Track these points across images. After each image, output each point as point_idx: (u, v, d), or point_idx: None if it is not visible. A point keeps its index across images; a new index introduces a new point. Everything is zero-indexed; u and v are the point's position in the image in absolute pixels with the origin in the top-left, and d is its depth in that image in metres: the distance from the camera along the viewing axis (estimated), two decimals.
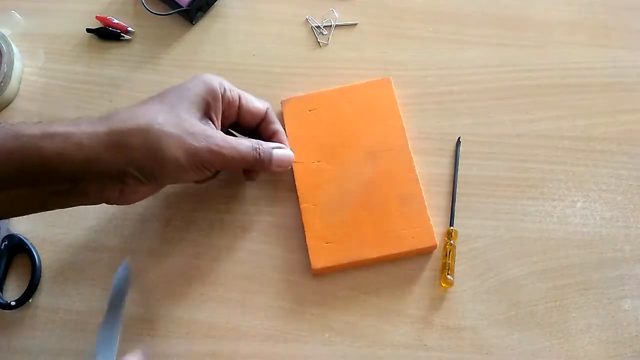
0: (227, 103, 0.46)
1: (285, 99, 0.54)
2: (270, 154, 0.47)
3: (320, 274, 0.49)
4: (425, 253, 0.49)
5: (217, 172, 0.48)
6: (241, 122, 0.49)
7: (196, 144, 0.42)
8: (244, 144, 0.45)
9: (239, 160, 0.45)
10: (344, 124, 0.52)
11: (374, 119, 0.52)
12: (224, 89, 0.46)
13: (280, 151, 0.48)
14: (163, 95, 0.44)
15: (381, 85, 0.54)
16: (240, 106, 0.47)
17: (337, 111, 0.53)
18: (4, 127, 0.39)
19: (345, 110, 0.53)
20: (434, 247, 0.49)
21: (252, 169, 0.48)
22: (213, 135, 0.43)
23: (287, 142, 0.50)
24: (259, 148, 0.46)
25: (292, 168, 0.51)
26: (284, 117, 0.53)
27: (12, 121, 0.40)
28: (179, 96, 0.43)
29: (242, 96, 0.47)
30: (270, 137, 0.49)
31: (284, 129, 0.52)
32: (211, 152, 0.43)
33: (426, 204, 0.49)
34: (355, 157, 0.51)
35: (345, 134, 0.52)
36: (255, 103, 0.48)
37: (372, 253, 0.48)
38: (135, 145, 0.40)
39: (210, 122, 0.45)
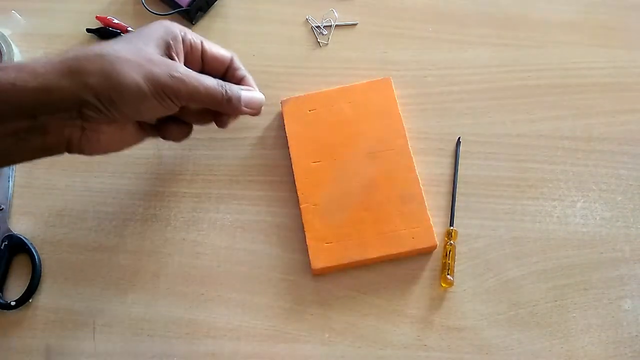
0: (189, 46, 0.45)
1: (285, 99, 0.54)
2: (239, 94, 0.46)
3: (320, 274, 0.49)
4: (425, 253, 0.49)
5: (183, 109, 0.45)
6: (207, 70, 0.47)
7: (157, 69, 0.40)
8: (208, 78, 0.44)
9: (203, 93, 0.43)
10: (344, 124, 0.52)
11: (374, 119, 0.52)
12: (185, 32, 0.45)
13: (249, 92, 0.47)
14: (121, 37, 0.43)
15: (381, 85, 0.54)
16: (203, 51, 0.46)
17: (337, 111, 0.53)
18: None
19: (345, 111, 0.53)
20: (434, 247, 0.49)
21: (221, 110, 0.47)
22: (174, 64, 0.42)
23: (256, 88, 0.49)
24: (224, 86, 0.45)
25: (292, 168, 0.51)
26: (284, 117, 0.53)
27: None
28: (138, 34, 0.43)
29: (204, 42, 0.46)
30: (238, 83, 0.48)
31: (284, 129, 0.52)
32: (173, 78, 0.41)
33: (426, 204, 0.49)
34: (355, 157, 0.51)
35: (345, 134, 0.52)
36: (220, 49, 0.48)
37: (372, 253, 0.48)
38: (91, 70, 0.39)
39: (170, 59, 0.43)
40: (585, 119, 0.54)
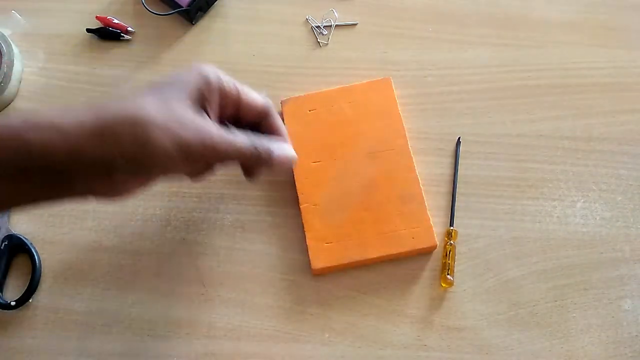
0: (224, 94, 0.44)
1: (285, 99, 0.54)
2: (270, 151, 0.44)
3: (321, 274, 0.49)
4: (425, 253, 0.49)
5: (212, 168, 0.45)
6: (241, 117, 0.46)
7: (187, 134, 0.40)
8: (240, 137, 0.43)
9: (234, 154, 0.42)
10: (344, 124, 0.52)
11: (374, 119, 0.52)
12: (220, 79, 0.43)
13: (281, 149, 0.45)
14: (155, 84, 0.42)
15: (381, 85, 0.54)
16: (239, 99, 0.45)
17: (337, 111, 0.53)
18: None
19: (345, 110, 0.53)
20: (434, 247, 0.49)
21: (251, 167, 0.46)
22: (206, 127, 0.41)
23: (288, 140, 0.47)
24: (256, 143, 0.43)
25: (292, 168, 0.51)
26: (284, 117, 0.53)
27: None
28: (171, 85, 0.42)
29: (240, 89, 0.45)
30: (271, 134, 0.47)
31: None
32: (203, 144, 0.40)
33: (426, 204, 0.49)
34: (355, 157, 0.51)
35: (345, 134, 0.52)
36: (255, 97, 0.46)
37: (372, 253, 0.48)
38: (122, 134, 0.38)
39: (205, 114, 0.42)
40: (585, 119, 0.54)
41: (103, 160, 0.38)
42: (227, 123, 0.47)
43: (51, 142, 0.37)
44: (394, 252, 0.48)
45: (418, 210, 0.49)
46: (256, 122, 0.46)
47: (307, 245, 0.48)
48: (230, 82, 0.44)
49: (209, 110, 0.43)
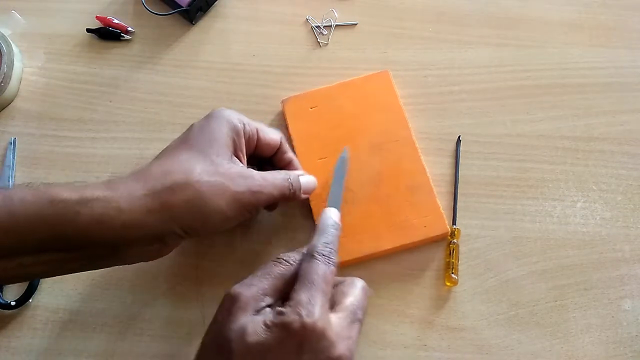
0: (248, 138, 0.45)
1: (285, 98, 0.54)
2: (299, 183, 0.46)
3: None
4: (437, 241, 0.50)
5: (256, 212, 0.45)
6: (257, 154, 0.47)
7: (237, 189, 0.40)
8: (278, 177, 0.44)
9: (277, 196, 0.44)
10: (346, 119, 0.52)
11: (376, 112, 0.52)
12: (244, 124, 0.45)
13: (305, 178, 0.47)
14: (188, 139, 0.42)
15: (380, 78, 0.54)
16: (258, 139, 0.46)
17: (338, 107, 0.53)
18: (38, 190, 0.37)
19: (346, 106, 0.53)
20: (447, 234, 0.49)
21: (283, 201, 0.47)
22: (250, 176, 0.42)
23: (300, 168, 0.49)
24: (290, 179, 0.45)
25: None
26: (286, 117, 0.53)
27: (42, 181, 0.39)
28: (207, 139, 0.42)
29: (259, 129, 0.46)
30: (285, 166, 0.48)
31: (287, 128, 0.52)
32: (253, 193, 0.41)
33: (436, 192, 0.49)
34: (360, 151, 0.51)
35: (348, 128, 0.52)
36: (271, 134, 0.47)
37: (386, 245, 0.48)
38: (177, 203, 0.39)
39: (238, 161, 0.44)
40: (585, 119, 0.54)
41: (158, 231, 0.39)
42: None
43: (107, 217, 0.37)
44: (408, 242, 0.48)
45: (427, 199, 0.49)
46: (271, 157, 0.48)
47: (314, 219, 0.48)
48: (250, 124, 0.45)
49: (240, 156, 0.44)
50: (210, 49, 0.59)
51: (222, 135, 0.43)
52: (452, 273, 0.48)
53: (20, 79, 0.58)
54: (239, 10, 0.61)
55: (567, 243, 0.50)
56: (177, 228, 0.39)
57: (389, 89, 0.53)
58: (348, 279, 0.40)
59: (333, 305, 0.37)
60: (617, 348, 0.47)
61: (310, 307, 0.35)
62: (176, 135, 0.45)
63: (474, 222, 0.51)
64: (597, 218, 0.51)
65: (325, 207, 0.48)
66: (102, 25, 0.59)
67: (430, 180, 0.50)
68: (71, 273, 0.41)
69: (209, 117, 0.44)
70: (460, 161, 0.53)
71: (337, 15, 0.59)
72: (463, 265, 0.49)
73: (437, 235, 0.49)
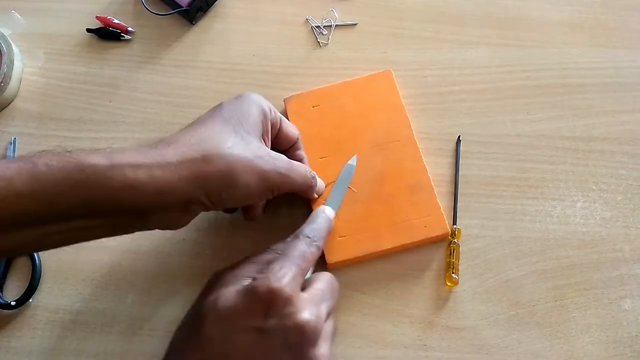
0: (272, 124, 0.46)
1: (287, 96, 0.54)
2: (317, 180, 0.47)
3: (334, 268, 0.49)
4: (438, 241, 0.50)
5: (271, 196, 0.45)
6: (274, 144, 0.47)
7: (266, 167, 0.41)
8: (302, 167, 0.45)
9: (300, 184, 0.44)
10: (348, 118, 0.52)
11: (378, 111, 0.53)
12: (270, 110, 0.45)
13: (319, 179, 0.49)
14: (221, 113, 0.42)
15: (382, 77, 0.54)
16: (280, 129, 0.47)
17: (340, 106, 0.53)
18: (64, 156, 0.35)
19: (348, 105, 0.53)
20: (447, 234, 0.49)
21: (301, 191, 0.47)
22: (279, 158, 0.43)
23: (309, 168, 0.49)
24: (311, 173, 0.46)
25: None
26: (288, 115, 0.53)
27: (66, 148, 0.37)
28: (240, 117, 0.42)
29: (282, 119, 0.47)
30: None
31: None
32: (280, 175, 0.42)
33: (436, 192, 0.49)
34: (361, 151, 0.51)
35: (350, 128, 0.52)
36: (291, 128, 0.48)
37: (386, 244, 0.48)
38: (209, 173, 0.39)
39: (264, 145, 0.44)
40: (585, 119, 0.54)
41: (187, 198, 0.39)
42: None
43: (139, 183, 0.37)
44: (408, 242, 0.48)
45: (428, 199, 0.49)
46: (285, 150, 0.48)
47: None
48: (276, 113, 0.46)
49: (266, 140, 0.45)
50: (210, 49, 0.59)
51: (253, 115, 0.43)
52: (453, 273, 0.48)
53: (20, 79, 0.58)
54: (239, 10, 0.61)
55: (567, 243, 0.50)
56: (205, 197, 0.39)
57: (392, 89, 0.53)
58: (316, 274, 0.41)
59: (303, 289, 0.38)
60: (617, 348, 0.47)
61: (280, 274, 0.37)
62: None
63: (474, 222, 0.51)
64: (597, 218, 0.51)
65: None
66: (102, 25, 0.59)
67: (431, 181, 0.50)
68: (90, 240, 0.40)
69: (239, 97, 0.44)
70: (460, 161, 0.53)
71: (337, 15, 0.59)
72: (463, 265, 0.49)
73: (438, 236, 0.49)
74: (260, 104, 0.44)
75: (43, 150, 0.36)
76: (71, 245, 0.51)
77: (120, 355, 0.48)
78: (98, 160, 0.36)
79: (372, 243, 0.48)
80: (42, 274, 0.50)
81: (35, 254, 0.50)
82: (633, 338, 0.47)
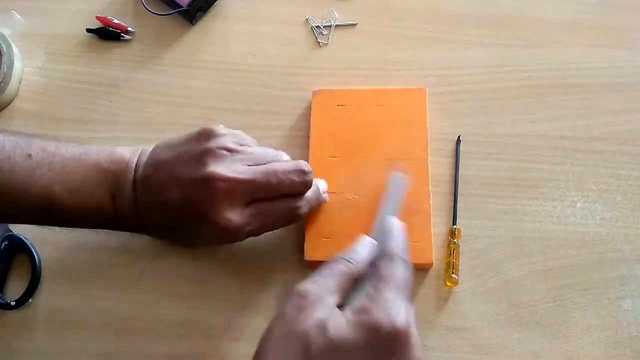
0: None
1: (317, 89, 0.54)
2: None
3: (312, 267, 0.48)
4: (420, 269, 0.48)
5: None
6: None
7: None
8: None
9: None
10: (369, 126, 0.52)
11: (400, 126, 0.52)
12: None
13: (322, 180, 0.49)
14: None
15: (415, 94, 0.53)
16: None
17: (365, 111, 0.52)
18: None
19: (373, 112, 0.52)
20: (430, 265, 0.48)
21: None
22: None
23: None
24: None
25: (307, 159, 0.51)
26: (312, 107, 0.53)
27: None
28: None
29: None
30: None
31: (310, 119, 0.52)
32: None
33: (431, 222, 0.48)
34: (372, 160, 0.51)
35: (368, 135, 0.52)
36: None
37: None
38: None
39: None
40: (585, 119, 0.54)
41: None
42: None
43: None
44: None
45: (422, 226, 0.48)
46: None
47: (304, 236, 0.48)
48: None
49: None
50: (210, 49, 0.59)
51: None
52: (453, 273, 0.48)
53: (20, 79, 0.58)
54: (239, 10, 0.61)
55: (567, 243, 0.50)
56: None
57: (421, 107, 0.52)
58: None
59: None
60: (617, 348, 0.47)
61: (397, 308, 0.34)
62: (176, 135, 0.45)
63: (474, 222, 0.51)
64: (597, 218, 0.51)
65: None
66: (102, 25, 0.59)
67: (431, 209, 0.49)
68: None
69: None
70: (460, 161, 0.53)
71: (337, 15, 0.59)
72: (463, 265, 0.49)
73: (420, 264, 0.47)
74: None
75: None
76: (71, 245, 0.51)
77: (120, 355, 0.48)
78: (103, 181, 0.43)
79: None
80: (42, 274, 0.50)
81: (35, 254, 0.50)
82: (633, 338, 0.47)
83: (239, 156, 0.43)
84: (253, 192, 0.42)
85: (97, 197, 0.43)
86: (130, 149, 0.45)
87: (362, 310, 0.34)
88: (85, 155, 0.43)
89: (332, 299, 0.35)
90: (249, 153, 0.43)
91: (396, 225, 0.41)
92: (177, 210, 0.42)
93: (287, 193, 0.44)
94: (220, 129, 0.44)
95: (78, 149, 0.44)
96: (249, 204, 0.42)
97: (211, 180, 0.40)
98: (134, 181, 0.43)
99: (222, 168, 0.41)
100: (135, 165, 0.44)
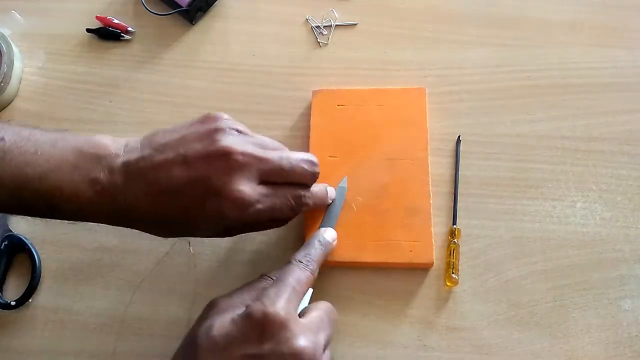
0: None
1: (317, 89, 0.54)
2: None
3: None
4: (421, 269, 0.49)
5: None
6: None
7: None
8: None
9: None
10: (369, 125, 0.52)
11: (400, 126, 0.52)
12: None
13: (330, 187, 0.48)
14: None
15: (415, 94, 0.53)
16: None
17: (365, 111, 0.53)
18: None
19: (373, 112, 0.52)
20: (431, 264, 0.48)
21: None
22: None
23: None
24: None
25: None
26: (312, 107, 0.53)
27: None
28: None
29: None
30: None
31: (310, 119, 0.52)
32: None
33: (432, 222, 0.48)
34: (371, 160, 0.51)
35: (368, 135, 0.52)
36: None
37: (367, 257, 0.47)
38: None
39: None
40: (585, 119, 0.54)
41: None
42: None
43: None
44: (389, 261, 0.47)
45: (422, 225, 0.48)
46: None
47: (304, 235, 0.48)
48: None
49: None
50: (210, 49, 0.59)
51: None
52: (453, 273, 0.48)
53: (20, 79, 0.58)
54: (239, 10, 0.61)
55: (567, 243, 0.50)
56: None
57: (420, 107, 0.52)
58: (314, 303, 0.41)
59: (300, 316, 0.38)
60: (617, 348, 0.47)
61: (276, 298, 0.36)
62: None
63: (474, 222, 0.51)
64: (597, 218, 0.51)
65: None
66: (102, 25, 0.59)
67: (432, 209, 0.49)
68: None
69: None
70: (460, 161, 0.53)
71: (337, 15, 0.59)
72: (463, 265, 0.49)
73: (420, 263, 0.48)
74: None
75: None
76: (71, 245, 0.51)
77: (120, 355, 0.48)
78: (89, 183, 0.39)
79: (355, 253, 0.48)
80: (42, 274, 0.50)
81: (35, 254, 0.50)
82: (633, 338, 0.47)
83: (249, 139, 0.41)
84: (267, 173, 0.41)
85: (73, 182, 0.39)
86: (111, 137, 0.42)
87: (246, 307, 0.36)
88: (62, 141, 0.40)
89: (238, 309, 0.37)
90: (258, 138, 0.42)
91: (320, 235, 0.45)
92: (179, 191, 0.39)
93: (295, 181, 0.43)
94: (224, 114, 0.42)
95: (55, 135, 0.41)
96: (260, 183, 0.41)
97: (228, 154, 0.39)
98: (124, 164, 0.40)
99: (237, 144, 0.40)
100: (124, 152, 0.41)
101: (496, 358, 0.47)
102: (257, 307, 0.35)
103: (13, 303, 0.49)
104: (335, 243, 0.46)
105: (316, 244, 0.44)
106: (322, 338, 0.37)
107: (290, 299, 0.37)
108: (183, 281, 0.50)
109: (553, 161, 0.53)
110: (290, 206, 0.43)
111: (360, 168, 0.50)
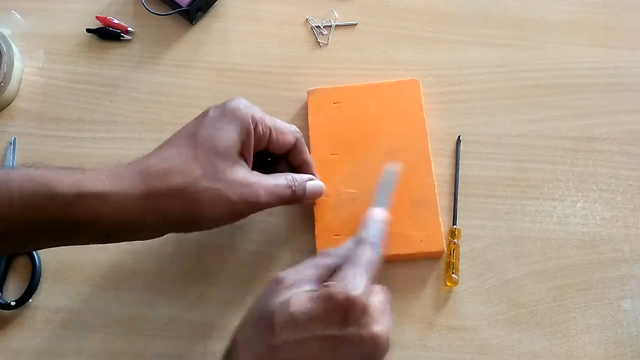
0: (258, 138, 0.44)
1: (311, 89, 0.54)
2: (304, 188, 0.46)
3: None
4: (431, 257, 0.49)
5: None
6: (270, 148, 0.46)
7: (234, 197, 0.41)
8: (279, 184, 0.44)
9: (275, 202, 0.44)
10: (367, 121, 0.52)
11: (398, 119, 0.52)
12: (256, 123, 0.44)
13: (312, 183, 0.47)
14: (197, 134, 0.42)
15: (409, 86, 0.53)
16: (269, 140, 0.45)
17: (362, 107, 0.53)
18: (36, 181, 0.37)
19: (370, 107, 0.53)
20: (442, 252, 0.48)
21: (284, 204, 0.46)
22: (248, 184, 0.42)
23: (315, 172, 0.48)
24: (294, 184, 0.45)
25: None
26: (308, 107, 0.53)
27: (38, 164, 0.40)
28: (215, 142, 0.42)
29: (272, 129, 0.45)
30: (298, 166, 0.48)
31: (307, 119, 0.52)
32: (248, 204, 0.42)
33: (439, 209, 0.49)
34: (373, 155, 0.51)
35: (366, 130, 0.52)
36: (286, 135, 0.46)
37: None
38: (174, 209, 0.40)
39: (243, 161, 0.43)
40: (585, 119, 0.54)
41: (154, 228, 0.41)
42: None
43: (101, 214, 0.39)
44: (401, 253, 0.48)
45: (430, 215, 0.48)
46: (285, 154, 0.47)
47: (315, 235, 0.48)
48: (264, 123, 0.45)
49: (246, 156, 0.44)
50: (210, 49, 0.59)
51: (232, 136, 0.42)
52: (453, 273, 0.48)
53: (20, 79, 0.58)
54: (239, 10, 0.61)
55: (567, 243, 0.50)
56: (171, 227, 0.42)
57: (416, 98, 0.53)
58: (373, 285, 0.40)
59: None
60: (617, 348, 0.47)
61: (355, 281, 0.35)
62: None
63: (474, 222, 0.51)
64: (597, 218, 0.51)
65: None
66: (102, 25, 0.59)
67: (437, 197, 0.49)
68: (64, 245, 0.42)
69: (223, 111, 0.43)
70: (460, 161, 0.53)
71: (337, 15, 0.59)
72: (463, 265, 0.49)
73: (432, 252, 0.48)
74: (244, 120, 0.43)
75: (23, 165, 0.39)
76: (71, 245, 0.51)
77: (120, 355, 0.48)
78: (67, 189, 0.38)
79: None
80: (42, 274, 0.50)
81: (35, 254, 0.50)
82: (633, 338, 0.47)
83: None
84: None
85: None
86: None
87: (324, 286, 0.35)
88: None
89: (308, 287, 0.36)
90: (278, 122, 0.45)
91: (375, 215, 0.43)
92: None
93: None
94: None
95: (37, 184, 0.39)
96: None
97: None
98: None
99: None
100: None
101: (496, 358, 0.47)
102: (339, 289, 0.35)
103: (13, 303, 0.49)
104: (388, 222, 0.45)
105: (377, 224, 0.42)
106: (390, 323, 0.37)
107: (368, 283, 0.37)
108: (183, 281, 0.50)
109: (553, 161, 0.53)
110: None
111: (362, 163, 0.50)
